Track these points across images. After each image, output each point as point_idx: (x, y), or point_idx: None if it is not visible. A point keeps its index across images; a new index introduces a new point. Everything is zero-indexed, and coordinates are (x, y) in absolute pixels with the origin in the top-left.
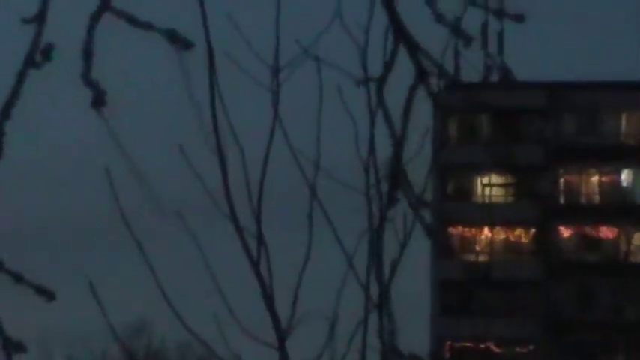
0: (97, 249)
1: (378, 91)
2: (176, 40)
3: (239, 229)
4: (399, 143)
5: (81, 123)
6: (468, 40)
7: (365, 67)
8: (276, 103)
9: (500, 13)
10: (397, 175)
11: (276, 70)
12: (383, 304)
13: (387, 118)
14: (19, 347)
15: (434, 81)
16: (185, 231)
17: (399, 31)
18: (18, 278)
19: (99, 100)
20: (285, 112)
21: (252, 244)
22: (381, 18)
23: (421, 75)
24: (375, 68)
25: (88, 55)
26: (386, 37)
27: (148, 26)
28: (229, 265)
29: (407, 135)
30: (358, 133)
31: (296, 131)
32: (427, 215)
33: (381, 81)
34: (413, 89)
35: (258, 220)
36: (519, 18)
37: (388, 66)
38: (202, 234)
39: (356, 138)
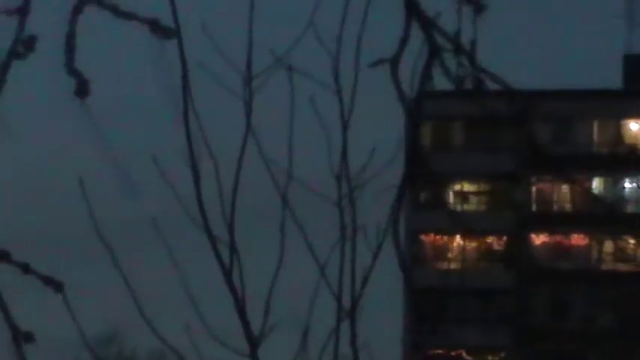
0: (71, 258)
1: (392, 70)
2: (158, 29)
3: (212, 238)
4: (416, 124)
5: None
6: (479, 8)
7: (337, 77)
8: (248, 113)
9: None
10: (416, 154)
11: (249, 79)
12: (355, 313)
13: (402, 98)
14: (29, 337)
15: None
16: (158, 240)
17: (411, 8)
18: (25, 269)
19: (82, 90)
20: (258, 122)
21: (225, 253)
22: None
23: (435, 51)
24: (348, 77)
25: (70, 46)
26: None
27: (130, 16)
28: (202, 274)
29: (422, 115)
30: (331, 142)
31: (269, 140)
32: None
33: (395, 59)
34: (427, 66)
35: (230, 229)
36: (480, 8)
37: (402, 44)
38: (175, 243)
39: (329, 147)
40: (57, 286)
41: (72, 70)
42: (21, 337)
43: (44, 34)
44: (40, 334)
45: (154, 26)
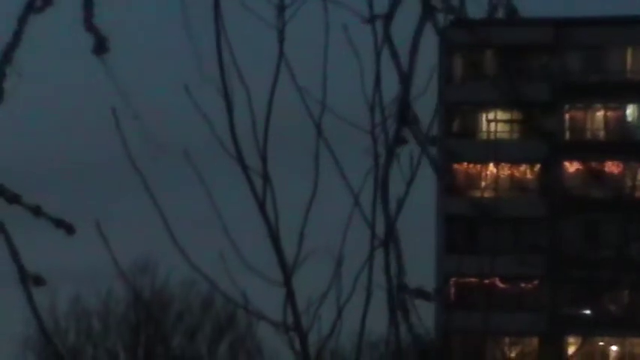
0: (104, 189)
1: (385, 28)
2: None
3: (245, 169)
4: (406, 80)
5: (83, 68)
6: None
7: (371, 5)
8: (281, 42)
9: None
10: (405, 113)
11: (281, 8)
12: (389, 242)
13: (394, 55)
14: (38, 280)
15: (440, 17)
16: (191, 171)
17: None
18: (36, 212)
19: (101, 47)
20: (291, 51)
21: (259, 184)
22: None
23: (428, 10)
24: (382, 5)
25: (88, 3)
26: None
27: None
28: (236, 205)
29: (414, 72)
30: (364, 71)
31: (302, 70)
32: (434, 152)
33: (388, 18)
34: (420, 25)
35: (264, 160)
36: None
37: (395, 2)
38: (209, 174)
39: (361, 77)
40: (68, 229)
41: (90, 26)
42: (30, 280)
43: None
44: (73, 264)
45: None
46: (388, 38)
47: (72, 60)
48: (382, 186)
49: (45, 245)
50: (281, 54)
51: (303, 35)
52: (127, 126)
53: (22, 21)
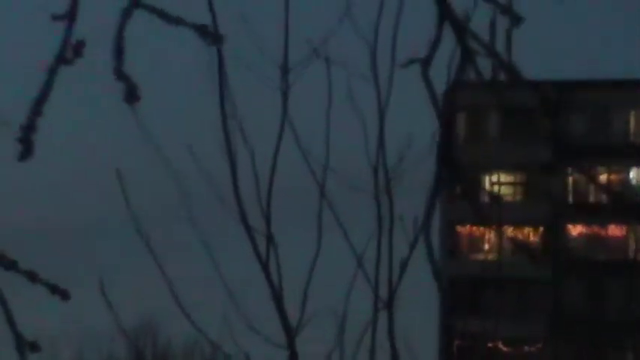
0: (107, 250)
1: (423, 70)
2: (206, 34)
3: (248, 229)
4: (447, 125)
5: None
6: (516, 20)
7: (374, 66)
8: (285, 103)
9: (507, 11)
10: (447, 155)
11: (285, 70)
12: (392, 303)
13: (433, 98)
14: (34, 347)
15: (481, 61)
16: (195, 231)
17: (444, 11)
18: (32, 278)
19: (132, 95)
20: (295, 112)
21: (262, 244)
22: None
23: (467, 54)
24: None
25: (119, 51)
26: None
27: (178, 21)
28: (239, 265)
29: (454, 117)
30: (368, 133)
31: (306, 131)
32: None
33: (427, 61)
34: (461, 69)
35: (267, 220)
36: (517, 20)
37: (434, 45)
38: (212, 234)
39: (365, 138)
40: (62, 295)
41: (121, 75)
42: (26, 347)
43: (92, 39)
44: (75, 324)
45: (203, 32)
46: (427, 81)
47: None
48: (386, 249)
49: (48, 306)
50: (284, 115)
51: (307, 96)
52: (133, 184)
53: (52, 72)
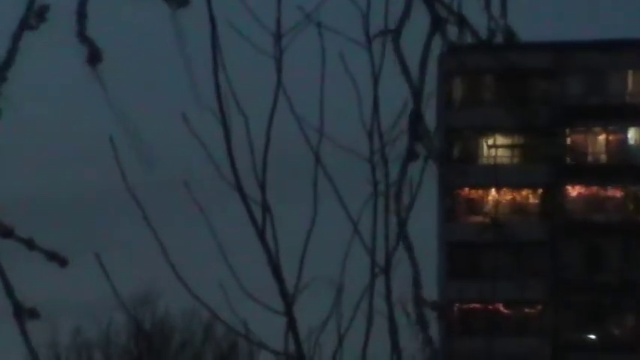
0: (103, 219)
1: (394, 42)
2: None
3: (244, 197)
4: (417, 95)
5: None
6: None
7: (367, 33)
8: (279, 70)
9: None
10: (417, 127)
11: (278, 37)
12: (389, 268)
13: (405, 69)
14: (33, 313)
15: (450, 29)
16: (191, 200)
17: None
18: (30, 245)
19: (95, 56)
20: (289, 79)
21: (258, 212)
22: None
23: (437, 23)
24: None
25: (81, 15)
26: None
27: None
28: (235, 234)
29: (425, 87)
30: (362, 98)
31: (299, 98)
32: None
33: (397, 32)
34: (429, 38)
35: (262, 188)
36: None
37: (404, 16)
38: (208, 203)
39: (359, 103)
40: (61, 262)
41: (84, 38)
42: (24, 313)
43: (55, 3)
44: (74, 295)
45: None
46: (398, 52)
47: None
48: (384, 209)
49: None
50: (279, 82)
51: (300, 63)
52: (125, 154)
53: (16, 38)
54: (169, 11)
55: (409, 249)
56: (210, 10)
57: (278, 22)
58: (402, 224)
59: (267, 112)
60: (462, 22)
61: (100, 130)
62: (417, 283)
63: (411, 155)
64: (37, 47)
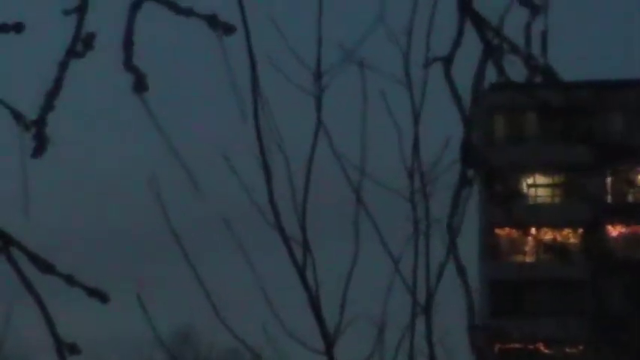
0: (145, 258)
1: (445, 69)
2: (217, 24)
3: (284, 236)
4: (468, 122)
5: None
6: (535, 10)
7: (407, 71)
8: (319, 108)
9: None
10: (469, 154)
11: (318, 75)
12: (430, 308)
13: (456, 96)
14: (74, 349)
15: (502, 57)
16: (232, 239)
17: (465, 8)
18: (69, 281)
19: (140, 84)
20: (329, 117)
21: (298, 252)
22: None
23: (489, 50)
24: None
25: (128, 43)
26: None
27: (188, 12)
28: (276, 273)
29: (477, 113)
30: (403, 137)
31: (340, 136)
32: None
33: (449, 59)
34: (482, 65)
35: (303, 227)
36: (535, 10)
37: (455, 44)
38: (249, 242)
39: (400, 142)
40: (102, 298)
41: (129, 67)
42: (65, 349)
43: (102, 31)
44: (115, 333)
45: (213, 22)
46: (449, 79)
47: (108, 130)
48: (424, 252)
49: (84, 316)
50: (319, 121)
51: (341, 101)
52: (166, 186)
53: (63, 66)
54: (211, 36)
55: (462, 272)
56: (250, 50)
57: (318, 60)
58: (454, 247)
59: (307, 150)
60: (514, 49)
61: (141, 161)
62: (470, 309)
63: (463, 182)
64: (83, 74)
